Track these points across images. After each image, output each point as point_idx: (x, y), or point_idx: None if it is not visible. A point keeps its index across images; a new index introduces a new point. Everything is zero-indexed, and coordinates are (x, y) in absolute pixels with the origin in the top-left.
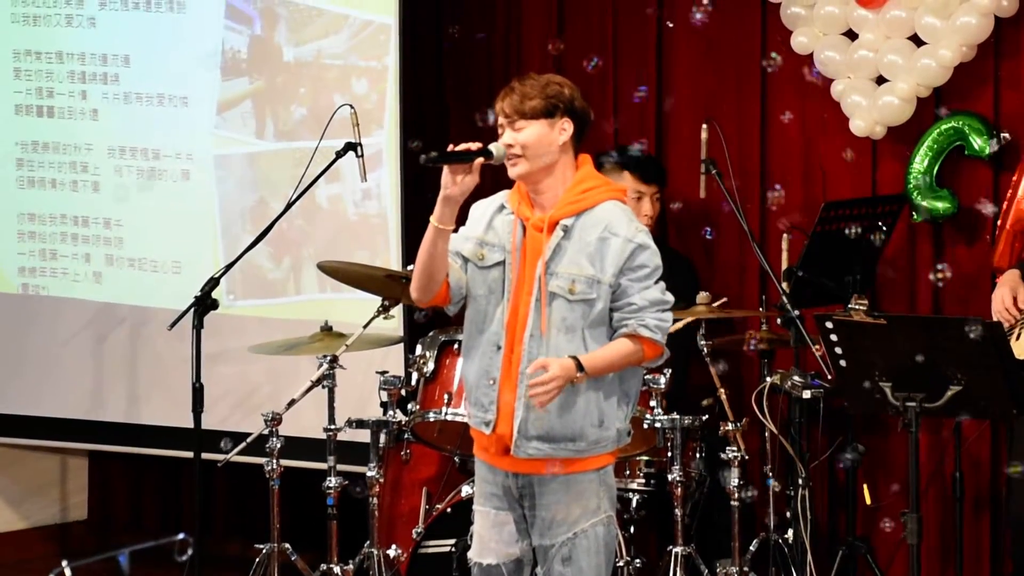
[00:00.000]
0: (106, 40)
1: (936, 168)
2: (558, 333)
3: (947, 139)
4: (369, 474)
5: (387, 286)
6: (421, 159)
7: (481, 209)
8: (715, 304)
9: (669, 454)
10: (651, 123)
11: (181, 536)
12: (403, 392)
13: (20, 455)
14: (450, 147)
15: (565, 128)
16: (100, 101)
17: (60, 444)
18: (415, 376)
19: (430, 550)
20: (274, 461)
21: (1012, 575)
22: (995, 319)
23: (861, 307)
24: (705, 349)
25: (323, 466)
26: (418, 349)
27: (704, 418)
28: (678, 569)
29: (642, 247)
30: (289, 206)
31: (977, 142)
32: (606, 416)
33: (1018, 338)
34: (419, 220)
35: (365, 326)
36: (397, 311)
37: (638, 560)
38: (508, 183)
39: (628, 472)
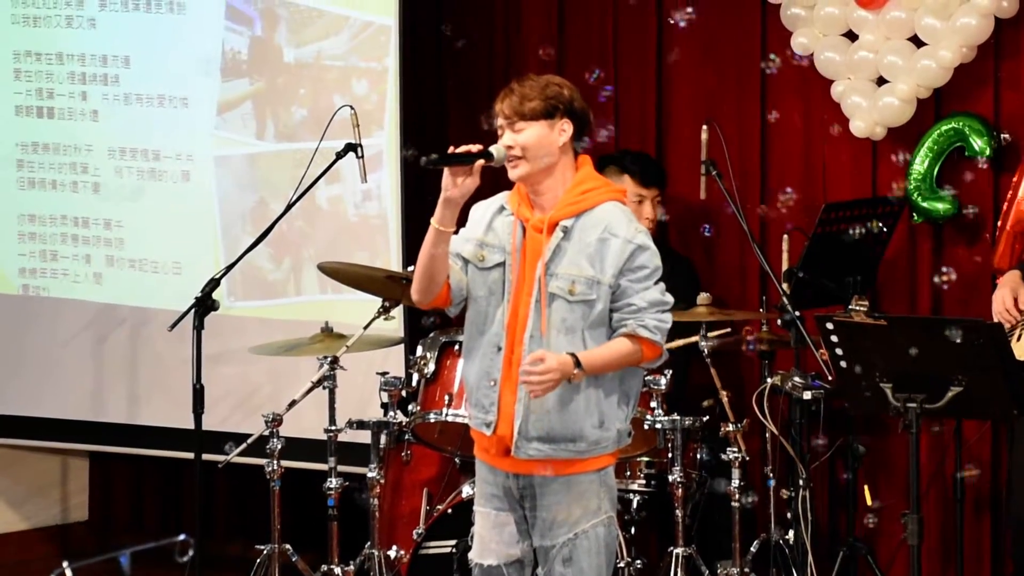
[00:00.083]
0: (106, 41)
1: (936, 169)
2: (558, 334)
3: (947, 140)
4: (370, 475)
5: (387, 287)
6: (421, 161)
7: (481, 211)
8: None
9: (670, 455)
10: (651, 124)
11: (182, 537)
12: (404, 393)
13: (21, 456)
14: (450, 149)
15: (565, 129)
16: (100, 102)
17: (61, 445)
18: (416, 377)
19: (431, 551)
20: (275, 462)
21: None
22: (996, 320)
23: (861, 308)
24: (705, 350)
25: (324, 467)
26: (419, 350)
27: (705, 419)
28: (679, 570)
29: (642, 248)
30: (289, 207)
31: (977, 143)
32: (606, 417)
33: (1019, 339)
34: (419, 221)
35: (365, 327)
36: (397, 312)
37: (639, 561)
38: (508, 184)
39: (629, 473)
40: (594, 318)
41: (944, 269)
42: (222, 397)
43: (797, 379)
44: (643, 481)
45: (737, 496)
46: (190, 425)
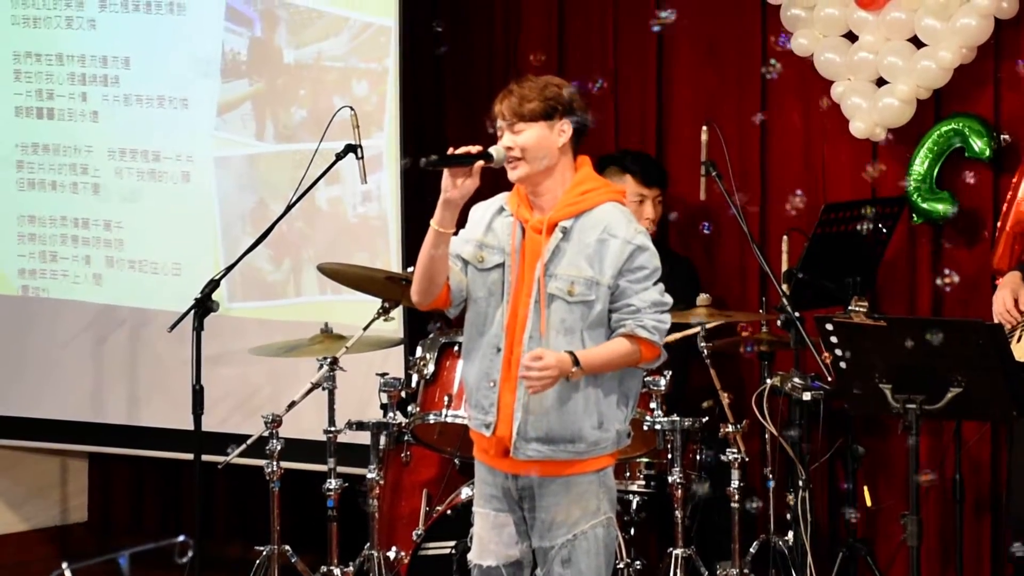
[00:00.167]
0: (106, 42)
1: (936, 170)
2: (557, 335)
3: (947, 141)
4: (369, 476)
5: (387, 288)
6: (421, 162)
7: (480, 212)
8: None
9: (669, 456)
10: (651, 125)
11: (181, 538)
12: (403, 394)
13: (20, 457)
14: (450, 150)
15: (564, 130)
16: (100, 103)
17: (60, 446)
18: (415, 378)
19: (430, 552)
20: (274, 463)
21: None
22: (996, 321)
23: (861, 309)
24: (705, 351)
25: (323, 468)
26: (418, 351)
27: (704, 420)
28: (678, 571)
29: (641, 248)
30: (289, 208)
31: (977, 144)
32: (605, 418)
33: (1019, 340)
34: (419, 222)
35: (365, 328)
36: (397, 313)
37: (638, 562)
38: (508, 185)
39: (628, 474)
40: (593, 319)
41: (946, 271)
42: (222, 398)
43: (797, 380)
44: (643, 482)
45: (737, 497)
46: (190, 426)
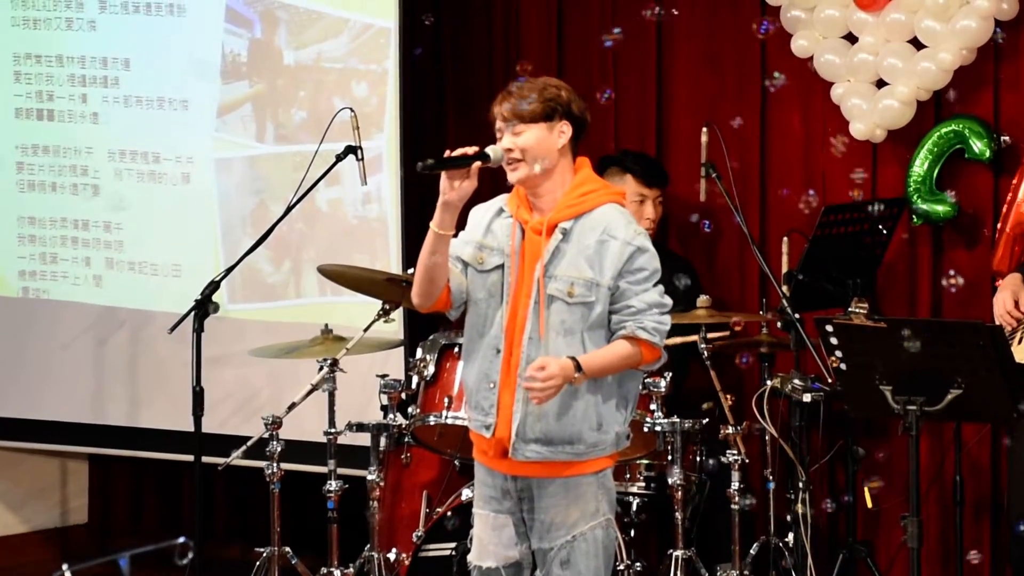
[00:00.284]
0: (106, 43)
1: (936, 171)
2: (557, 336)
3: (947, 142)
4: (369, 478)
5: (387, 289)
6: (418, 166)
7: (480, 213)
8: (735, 319)
9: (669, 457)
10: (651, 126)
11: (181, 540)
12: (403, 396)
13: (20, 458)
14: (447, 153)
15: (563, 131)
16: (100, 104)
17: (60, 448)
18: (415, 380)
19: (430, 554)
20: (274, 465)
21: None
22: (997, 323)
23: (861, 310)
24: (705, 353)
25: (323, 470)
26: (418, 353)
27: (704, 421)
28: (679, 573)
29: (641, 250)
30: (289, 209)
31: (977, 145)
32: (604, 419)
33: (1020, 342)
34: (419, 223)
35: (365, 330)
36: (397, 315)
37: (638, 564)
38: (507, 186)
39: (628, 475)
40: (593, 320)
41: (951, 272)
42: (222, 400)
43: (797, 382)
44: (643, 483)
45: (737, 499)
46: (190, 428)
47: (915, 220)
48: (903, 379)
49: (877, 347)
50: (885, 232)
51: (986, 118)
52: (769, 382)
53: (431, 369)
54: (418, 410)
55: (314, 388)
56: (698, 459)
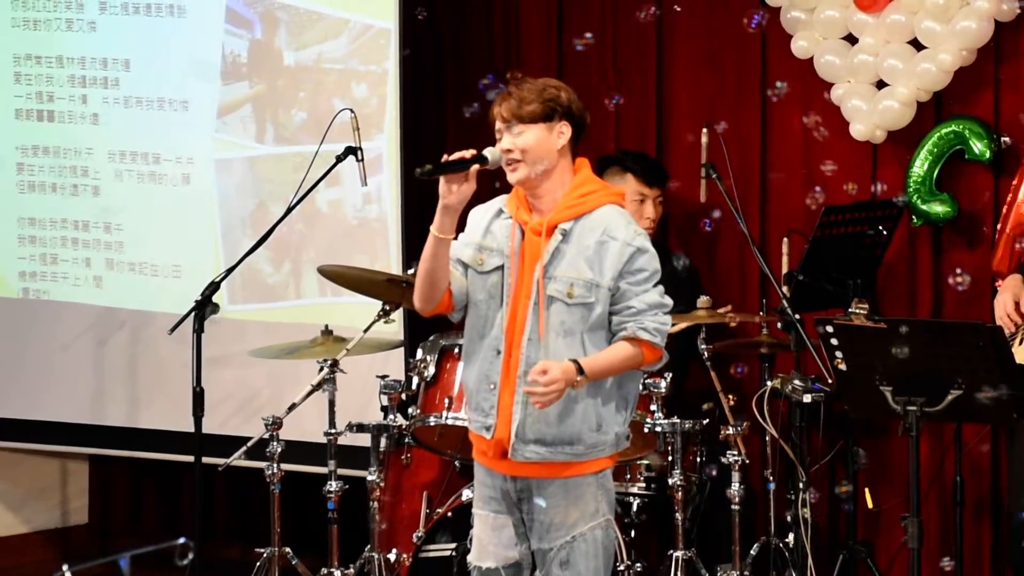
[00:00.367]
0: (106, 44)
1: (936, 172)
2: (556, 337)
3: (947, 143)
4: (370, 478)
5: (388, 290)
6: (416, 172)
7: (479, 214)
8: (720, 310)
9: (670, 458)
10: (651, 127)
11: (182, 540)
12: (403, 396)
13: (21, 459)
14: (444, 157)
15: (563, 132)
16: (100, 105)
17: (61, 448)
18: (416, 380)
19: (431, 554)
20: (275, 465)
21: None
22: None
23: (861, 311)
24: (705, 353)
25: (324, 470)
26: (418, 353)
27: (704, 422)
28: (679, 573)
29: (641, 251)
30: (289, 210)
31: (977, 146)
32: (604, 420)
33: (1020, 343)
34: (419, 224)
35: (365, 330)
36: (397, 315)
37: (639, 564)
38: (506, 187)
39: (629, 476)
40: (593, 321)
41: (958, 271)
42: (222, 400)
43: (797, 382)
44: (643, 484)
45: (737, 499)
46: (190, 428)
47: (915, 220)
48: (903, 380)
49: (877, 348)
50: (885, 232)
51: (986, 119)
52: (769, 383)
53: (431, 370)
54: (418, 411)
55: (314, 389)
56: (699, 460)
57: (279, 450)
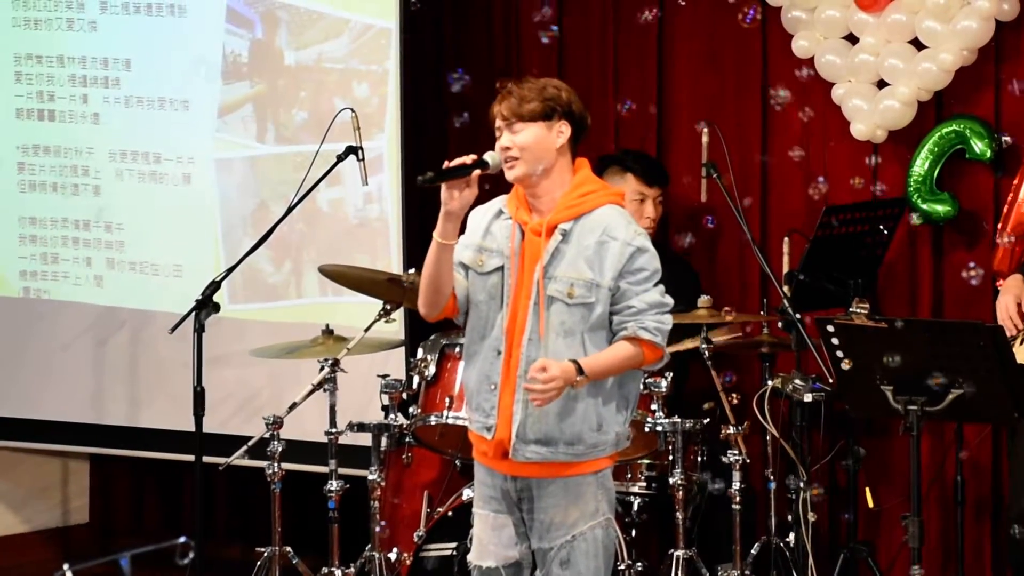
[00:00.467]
0: (107, 44)
1: (937, 171)
2: (557, 337)
3: (948, 143)
4: (370, 478)
5: (388, 290)
6: (418, 180)
7: (479, 215)
8: (723, 313)
9: (670, 458)
10: (652, 127)
11: (182, 540)
12: (404, 396)
13: (21, 458)
14: (445, 164)
15: (562, 131)
16: (101, 105)
17: (61, 448)
18: (416, 380)
19: (432, 553)
20: (275, 464)
21: None
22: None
23: (862, 310)
24: (706, 353)
25: (324, 469)
26: (419, 353)
27: (705, 421)
28: (679, 573)
29: (641, 250)
30: (290, 210)
31: (978, 146)
32: (604, 420)
33: (1021, 343)
34: (420, 223)
35: (366, 330)
36: (398, 315)
37: (639, 564)
38: (506, 188)
39: (629, 475)
40: (593, 321)
41: (971, 264)
42: (223, 400)
43: (798, 382)
44: (644, 483)
45: (737, 499)
46: (191, 428)
47: (915, 220)
48: (904, 379)
49: (878, 347)
50: (886, 232)
51: (987, 118)
52: (770, 382)
53: (432, 369)
54: (419, 410)
55: (315, 388)
56: (699, 459)
57: (280, 449)
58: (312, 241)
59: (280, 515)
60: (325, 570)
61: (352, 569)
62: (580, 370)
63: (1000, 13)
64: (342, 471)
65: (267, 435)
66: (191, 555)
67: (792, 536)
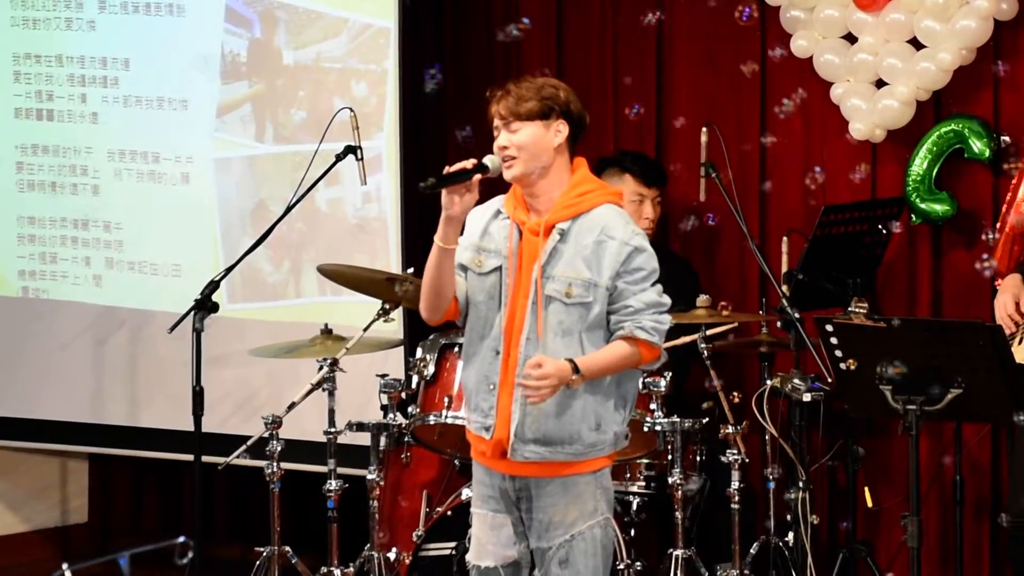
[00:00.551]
0: (106, 43)
1: (935, 171)
2: (555, 337)
3: (947, 142)
4: (369, 477)
5: (387, 289)
6: (419, 187)
7: (477, 216)
8: (719, 308)
9: (669, 457)
10: (651, 127)
11: (181, 539)
12: (403, 395)
13: (21, 458)
14: (446, 169)
15: (560, 130)
16: (100, 104)
17: (60, 447)
18: (415, 379)
19: (431, 553)
20: (274, 464)
21: None
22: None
23: (861, 310)
24: (705, 353)
25: (323, 469)
26: (418, 352)
27: (704, 421)
28: (679, 572)
29: (638, 250)
30: (289, 209)
31: (976, 145)
32: (603, 420)
33: (1020, 342)
34: (419, 223)
35: (365, 329)
36: (397, 314)
37: (639, 563)
38: (505, 188)
39: (629, 475)
40: (591, 320)
41: (984, 256)
42: (222, 399)
43: (797, 381)
44: (643, 483)
45: (737, 498)
46: (190, 427)
47: (914, 219)
48: (903, 379)
49: (877, 347)
50: (885, 232)
51: (985, 118)
52: (769, 382)
53: (431, 369)
54: (418, 410)
55: (314, 387)
56: (698, 459)
57: (279, 449)
58: (311, 241)
59: (279, 515)
60: (324, 570)
61: (351, 569)
62: (576, 369)
63: (999, 12)
64: (341, 471)
65: (266, 435)
66: (190, 555)
67: (791, 536)
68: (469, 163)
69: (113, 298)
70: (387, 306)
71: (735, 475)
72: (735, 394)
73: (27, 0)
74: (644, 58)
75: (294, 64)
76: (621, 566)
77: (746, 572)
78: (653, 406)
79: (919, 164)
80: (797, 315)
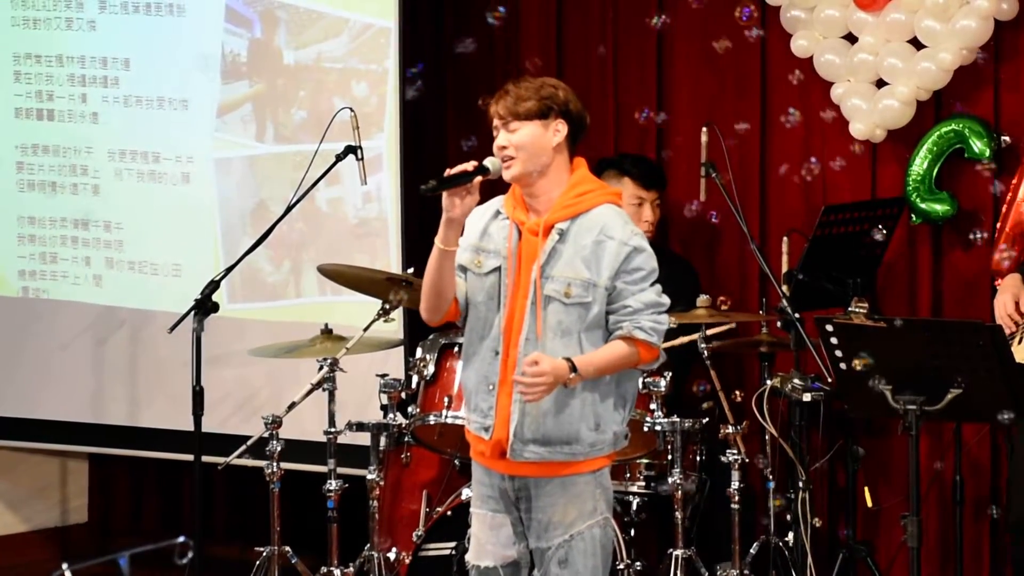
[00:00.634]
0: (106, 43)
1: (936, 171)
2: (554, 337)
3: (947, 142)
4: (369, 477)
5: (387, 289)
6: (420, 189)
7: (476, 216)
8: (719, 303)
9: (669, 457)
10: (651, 127)
11: (181, 539)
12: (403, 395)
13: (20, 458)
14: (447, 172)
15: (559, 130)
16: (100, 104)
17: (60, 447)
18: (415, 379)
19: (430, 553)
20: (274, 464)
21: None
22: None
23: (861, 310)
24: (705, 353)
25: (323, 469)
26: (418, 352)
27: (704, 421)
28: (678, 572)
29: (637, 250)
30: (289, 209)
31: (977, 145)
32: (602, 419)
33: (1020, 342)
34: (419, 223)
35: (365, 329)
36: (397, 314)
37: (638, 563)
38: (504, 188)
39: (628, 475)
40: (590, 320)
41: (1003, 246)
42: (222, 399)
43: (797, 381)
44: (643, 483)
45: (737, 498)
46: (190, 427)
47: (914, 219)
48: (903, 379)
49: (877, 347)
50: (885, 231)
51: (986, 118)
52: (769, 382)
53: (431, 368)
54: (418, 409)
55: (314, 387)
56: (698, 459)
57: (279, 449)
58: (311, 240)
59: (279, 515)
60: (324, 570)
61: (351, 569)
62: (573, 367)
63: (999, 12)
64: (341, 471)
65: (266, 434)
66: (190, 555)
67: (791, 535)
68: (470, 165)
69: (113, 298)
70: (387, 306)
71: (735, 475)
72: (736, 393)
73: (27, 0)
74: (644, 58)
75: (294, 64)
76: (621, 566)
77: (746, 572)
78: (653, 406)
79: (919, 164)
80: (797, 315)
